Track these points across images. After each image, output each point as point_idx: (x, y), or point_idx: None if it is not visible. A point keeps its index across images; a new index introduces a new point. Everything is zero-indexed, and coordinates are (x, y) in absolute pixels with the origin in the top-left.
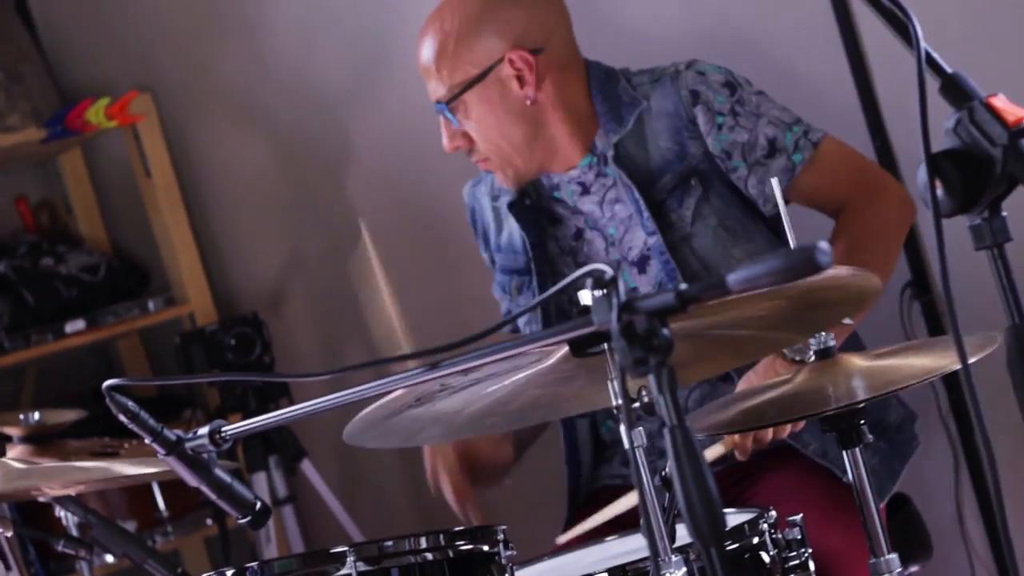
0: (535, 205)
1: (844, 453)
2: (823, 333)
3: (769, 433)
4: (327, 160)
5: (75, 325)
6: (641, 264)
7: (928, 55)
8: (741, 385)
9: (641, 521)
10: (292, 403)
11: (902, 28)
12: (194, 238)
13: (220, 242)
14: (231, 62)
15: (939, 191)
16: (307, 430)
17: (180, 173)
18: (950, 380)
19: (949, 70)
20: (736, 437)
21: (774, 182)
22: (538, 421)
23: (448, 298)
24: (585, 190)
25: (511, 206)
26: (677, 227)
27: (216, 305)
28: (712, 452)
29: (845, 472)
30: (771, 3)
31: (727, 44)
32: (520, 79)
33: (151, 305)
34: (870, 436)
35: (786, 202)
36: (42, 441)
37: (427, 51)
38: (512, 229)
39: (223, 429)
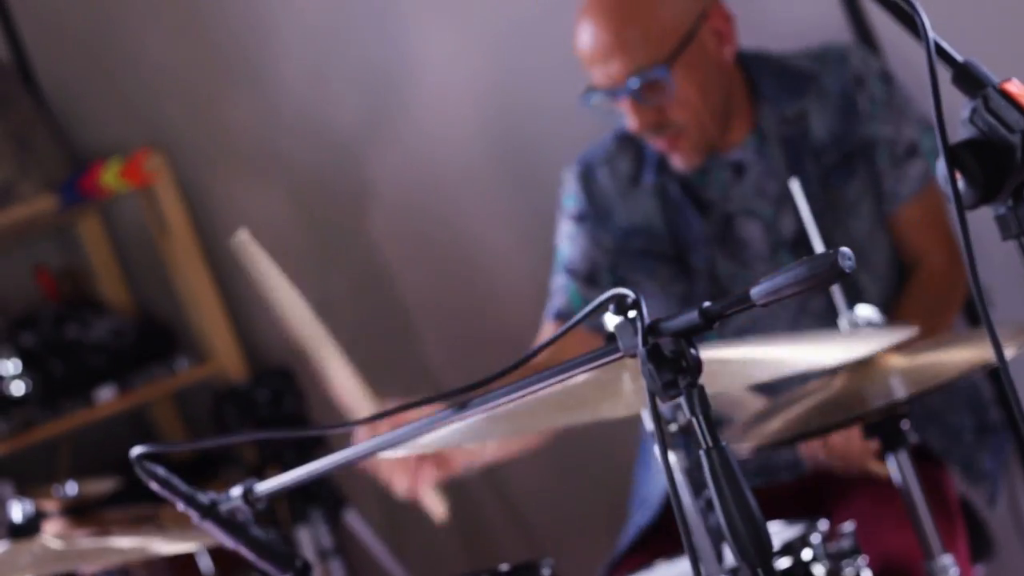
0: (691, 187)
1: (889, 457)
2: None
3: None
4: (346, 202)
5: (105, 392)
6: (796, 245)
7: (937, 45)
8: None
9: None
10: (330, 452)
11: (909, 20)
12: (218, 294)
13: (245, 295)
14: (241, 111)
15: (960, 183)
16: (348, 478)
17: (199, 229)
18: (995, 372)
19: (960, 59)
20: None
21: (794, 187)
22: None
23: (474, 334)
24: (739, 171)
25: (681, 187)
26: (837, 208)
27: (246, 359)
28: None
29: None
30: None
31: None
32: (719, 37)
33: (180, 366)
34: (916, 435)
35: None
36: (79, 513)
37: (610, 25)
38: (650, 212)
39: (256, 488)
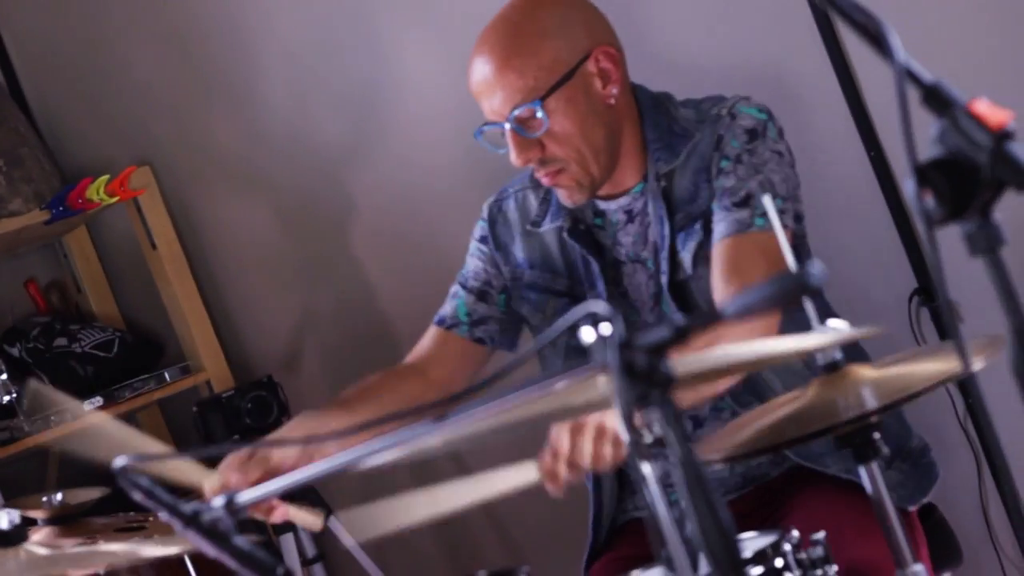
0: (588, 231)
1: (860, 469)
2: (828, 347)
3: (585, 459)
4: (330, 219)
5: (93, 403)
6: (675, 294)
7: (906, 67)
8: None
9: (661, 555)
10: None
11: (878, 42)
12: (204, 306)
13: (230, 308)
14: (226, 129)
15: (930, 200)
16: (330, 486)
17: (185, 243)
18: (965, 385)
19: (929, 80)
20: (547, 461)
21: (766, 200)
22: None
23: None
24: (630, 219)
25: (571, 232)
26: (680, 269)
27: (232, 370)
28: (523, 476)
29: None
30: (757, 22)
31: (715, 66)
32: (604, 77)
33: (167, 376)
34: (887, 449)
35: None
36: (66, 522)
37: (494, 60)
38: (549, 249)
39: (238, 498)
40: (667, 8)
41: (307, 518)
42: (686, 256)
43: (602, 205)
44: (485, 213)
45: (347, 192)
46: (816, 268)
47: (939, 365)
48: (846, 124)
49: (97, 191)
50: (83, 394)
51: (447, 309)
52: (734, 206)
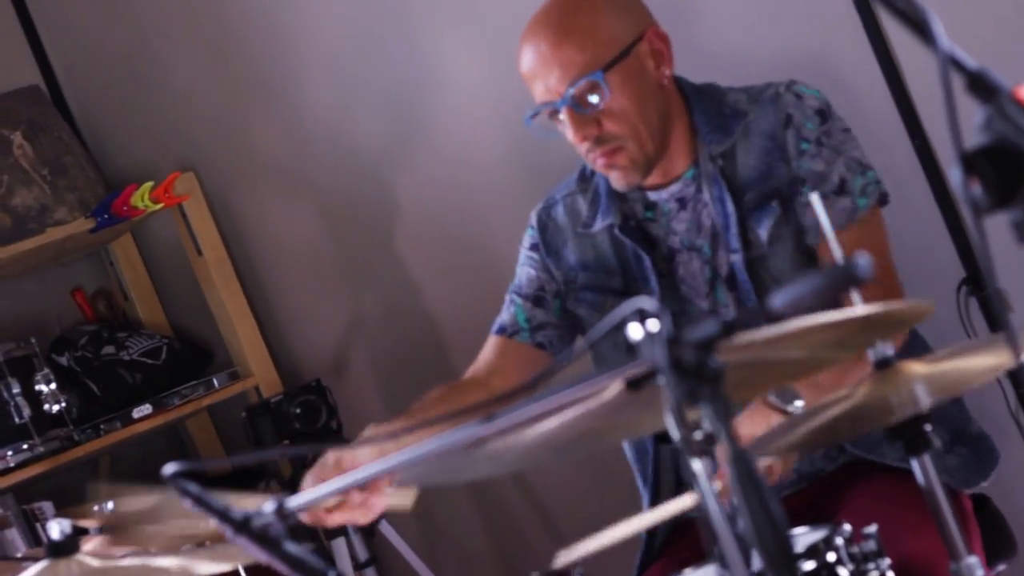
0: (639, 226)
1: (913, 461)
2: (879, 343)
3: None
4: (374, 221)
5: (142, 410)
6: (730, 281)
7: (950, 54)
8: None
9: (714, 551)
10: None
11: (921, 29)
12: (251, 311)
13: (277, 312)
14: (269, 133)
15: (977, 189)
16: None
17: (231, 248)
18: (1016, 376)
19: (973, 67)
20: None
21: (814, 200)
22: (586, 453)
23: None
24: (683, 206)
25: (622, 228)
26: (755, 247)
27: (280, 375)
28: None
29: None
30: (798, 12)
31: (757, 57)
32: (656, 58)
33: (215, 382)
34: (939, 441)
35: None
36: (119, 530)
37: (550, 38)
38: (602, 249)
39: (288, 503)
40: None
41: (398, 499)
42: (762, 233)
43: (653, 196)
44: (534, 221)
45: (391, 193)
46: (863, 259)
47: (990, 358)
48: (890, 113)
49: (142, 198)
50: (132, 401)
51: (505, 318)
52: (833, 195)
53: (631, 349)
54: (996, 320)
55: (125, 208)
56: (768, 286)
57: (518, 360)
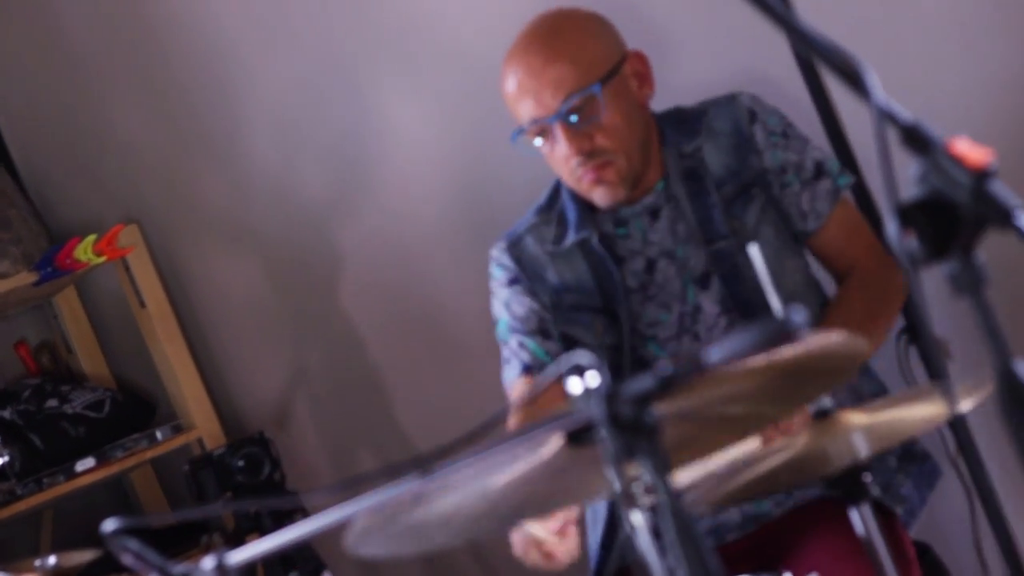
0: (609, 243)
1: (852, 511)
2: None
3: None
4: (318, 273)
5: (86, 463)
6: (703, 280)
7: (885, 108)
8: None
9: None
10: (307, 516)
11: (857, 82)
12: (195, 363)
13: (221, 365)
14: (213, 186)
15: (913, 241)
16: (325, 542)
17: (174, 300)
18: (955, 422)
19: (908, 121)
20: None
21: (752, 251)
22: (531, 518)
23: (450, 397)
24: (655, 216)
25: (601, 241)
26: (739, 234)
27: (223, 427)
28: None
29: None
30: (737, 60)
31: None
32: (639, 78)
33: (159, 435)
34: (876, 490)
35: (790, 254)
36: None
37: (542, 56)
38: (579, 270)
39: (229, 559)
40: (652, 35)
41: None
42: (748, 219)
43: (625, 212)
44: (504, 258)
45: (335, 246)
46: (799, 314)
47: (929, 408)
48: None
49: (85, 251)
50: (75, 455)
51: (524, 358)
52: (813, 179)
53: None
54: (934, 369)
55: (68, 261)
56: (750, 274)
57: (554, 393)
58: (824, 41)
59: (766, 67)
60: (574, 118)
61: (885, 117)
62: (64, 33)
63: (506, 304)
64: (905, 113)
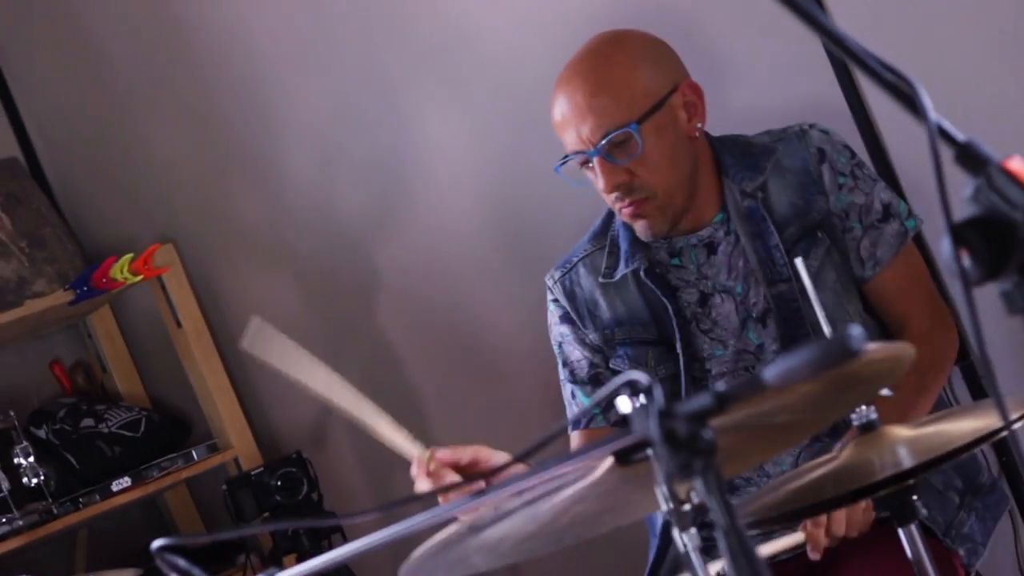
0: (663, 274)
1: (900, 532)
2: (863, 407)
3: (843, 526)
4: (355, 291)
5: (121, 483)
6: (763, 319)
7: (939, 126)
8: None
9: None
10: (345, 539)
11: (908, 100)
12: (231, 383)
13: (257, 384)
14: (249, 204)
15: (967, 260)
16: (363, 564)
17: (210, 320)
18: (998, 443)
19: (961, 138)
20: (809, 526)
21: (799, 264)
22: (578, 539)
23: (486, 416)
24: (712, 250)
25: (647, 272)
26: (801, 278)
27: (259, 447)
28: (790, 541)
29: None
30: (780, 82)
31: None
32: (689, 110)
33: (195, 455)
34: (924, 511)
35: (861, 297)
36: None
37: (586, 88)
38: (632, 302)
39: None
40: (708, 58)
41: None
42: (812, 263)
43: (680, 243)
44: (557, 292)
45: (372, 263)
46: (856, 331)
47: (976, 422)
48: None
49: (121, 270)
50: (111, 474)
51: (575, 411)
52: (879, 222)
53: (622, 423)
54: (980, 388)
55: (104, 280)
56: (810, 317)
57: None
58: (877, 60)
59: (816, 92)
60: (612, 154)
61: (939, 135)
62: (99, 52)
63: (559, 345)
64: (958, 131)
